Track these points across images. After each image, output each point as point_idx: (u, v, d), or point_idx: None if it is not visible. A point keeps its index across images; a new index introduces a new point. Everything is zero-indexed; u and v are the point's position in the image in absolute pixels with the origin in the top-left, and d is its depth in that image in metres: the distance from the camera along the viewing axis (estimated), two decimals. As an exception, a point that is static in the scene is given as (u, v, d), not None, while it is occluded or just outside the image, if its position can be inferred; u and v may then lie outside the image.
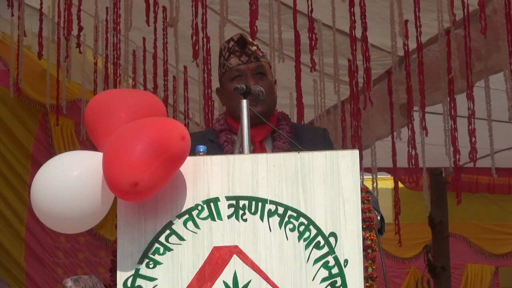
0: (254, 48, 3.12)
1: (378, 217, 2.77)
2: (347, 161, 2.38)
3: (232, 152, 2.95)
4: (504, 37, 4.86)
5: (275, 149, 3.01)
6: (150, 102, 2.52)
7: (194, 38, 5.48)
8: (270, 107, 3.07)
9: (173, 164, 2.30)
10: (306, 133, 3.14)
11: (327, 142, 3.10)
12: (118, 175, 2.23)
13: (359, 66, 5.46)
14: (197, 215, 2.37)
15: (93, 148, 2.49)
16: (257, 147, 3.02)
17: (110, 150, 2.29)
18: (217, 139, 3.07)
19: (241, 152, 2.61)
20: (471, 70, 5.15)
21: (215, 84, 6.01)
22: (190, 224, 2.37)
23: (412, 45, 5.43)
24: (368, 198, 2.42)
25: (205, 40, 5.69)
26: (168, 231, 2.36)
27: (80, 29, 6.12)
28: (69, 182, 2.32)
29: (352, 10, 5.10)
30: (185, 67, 6.73)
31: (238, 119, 2.92)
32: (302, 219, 2.35)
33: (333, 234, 2.34)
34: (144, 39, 6.51)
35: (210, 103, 6.40)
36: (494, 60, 5.13)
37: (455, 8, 4.98)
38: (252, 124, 2.88)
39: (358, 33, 5.19)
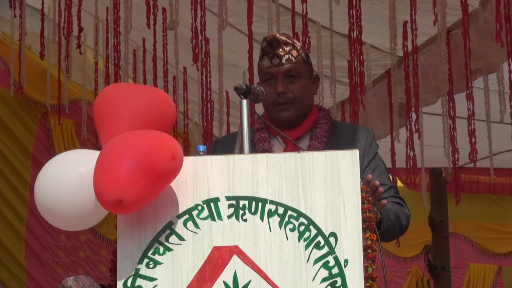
0: (289, 48, 3.00)
1: (380, 217, 2.77)
2: (347, 161, 2.38)
3: (262, 150, 2.96)
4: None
5: (309, 149, 2.95)
6: (159, 100, 2.49)
7: (194, 41, 5.48)
8: (302, 111, 3.00)
9: (162, 181, 2.29)
10: (347, 132, 3.05)
11: (368, 144, 3.01)
12: (103, 192, 2.24)
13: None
14: (197, 215, 2.37)
15: (94, 148, 2.49)
16: (289, 146, 2.99)
17: (99, 164, 2.28)
18: (253, 137, 3.03)
19: (241, 152, 2.61)
20: (470, 71, 5.16)
21: (215, 85, 6.06)
22: (190, 224, 2.37)
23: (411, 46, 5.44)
24: (368, 198, 2.42)
25: (204, 42, 5.68)
26: (168, 231, 2.36)
27: (81, 29, 6.11)
28: (72, 178, 2.33)
29: (351, 12, 5.12)
30: (184, 68, 6.73)
31: (273, 119, 3.00)
32: (302, 219, 2.35)
33: (333, 234, 2.34)
34: (144, 39, 6.51)
35: (209, 105, 6.39)
36: (489, 61, 5.13)
37: (454, 9, 4.99)
38: (289, 127, 2.97)
39: (358, 35, 5.21)
